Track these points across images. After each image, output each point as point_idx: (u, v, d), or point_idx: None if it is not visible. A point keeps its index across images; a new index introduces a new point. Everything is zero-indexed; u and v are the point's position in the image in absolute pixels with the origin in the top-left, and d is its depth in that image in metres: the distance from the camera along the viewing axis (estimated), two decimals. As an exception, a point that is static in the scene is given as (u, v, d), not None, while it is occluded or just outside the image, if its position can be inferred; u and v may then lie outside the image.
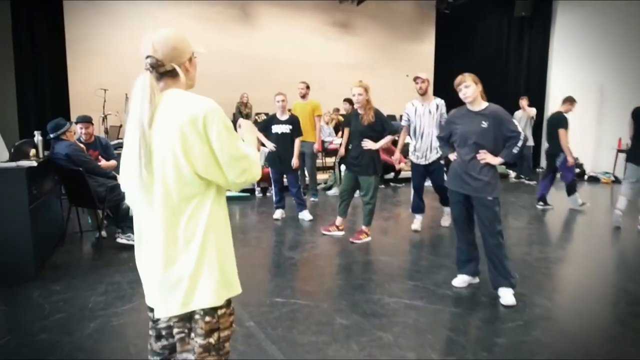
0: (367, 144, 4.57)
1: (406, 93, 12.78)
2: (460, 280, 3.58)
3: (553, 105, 11.14)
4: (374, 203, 4.78)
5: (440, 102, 5.00)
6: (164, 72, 1.41)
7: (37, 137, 4.23)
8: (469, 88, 3.24)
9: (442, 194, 5.27)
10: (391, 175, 8.85)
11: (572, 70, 11.05)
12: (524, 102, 9.16)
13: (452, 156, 3.54)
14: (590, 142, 10.48)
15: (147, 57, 1.39)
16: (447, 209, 5.45)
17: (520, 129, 3.23)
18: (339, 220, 5.05)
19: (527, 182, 9.26)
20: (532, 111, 9.03)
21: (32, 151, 4.19)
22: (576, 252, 4.77)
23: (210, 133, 1.34)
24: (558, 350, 2.59)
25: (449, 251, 4.44)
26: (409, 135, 5.16)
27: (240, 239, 4.85)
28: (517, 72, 12.03)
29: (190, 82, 1.50)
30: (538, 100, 10.88)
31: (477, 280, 3.62)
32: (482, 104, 3.31)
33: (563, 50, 11.30)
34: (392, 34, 12.70)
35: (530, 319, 2.98)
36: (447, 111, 4.51)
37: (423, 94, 4.97)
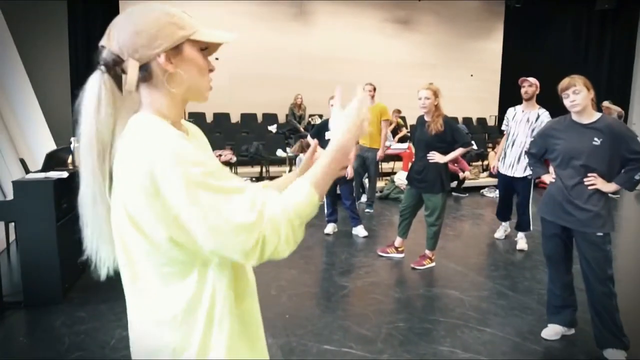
0: (435, 157, 3.94)
1: (471, 94, 11.99)
2: (552, 332, 2.90)
3: (639, 113, 9.94)
4: (440, 224, 4.14)
5: (544, 113, 4.52)
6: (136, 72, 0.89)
7: (74, 144, 3.94)
8: (579, 95, 2.55)
9: (522, 217, 4.72)
10: (454, 184, 8.09)
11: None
12: (608, 105, 8.09)
13: (548, 177, 2.86)
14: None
15: (100, 47, 0.91)
16: (522, 234, 4.85)
17: None
18: (398, 241, 4.45)
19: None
20: (617, 109, 7.89)
21: (70, 158, 3.93)
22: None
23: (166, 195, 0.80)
24: None
25: (532, 286, 3.74)
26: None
27: (287, 257, 4.36)
28: (598, 73, 10.71)
29: (182, 92, 0.93)
30: (621, 106, 9.68)
31: (572, 331, 2.93)
32: (594, 115, 2.61)
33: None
34: (455, 31, 11.81)
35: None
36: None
37: (528, 99, 4.57)
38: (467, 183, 8.12)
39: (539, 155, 2.93)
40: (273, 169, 7.80)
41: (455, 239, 5.26)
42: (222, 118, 9.66)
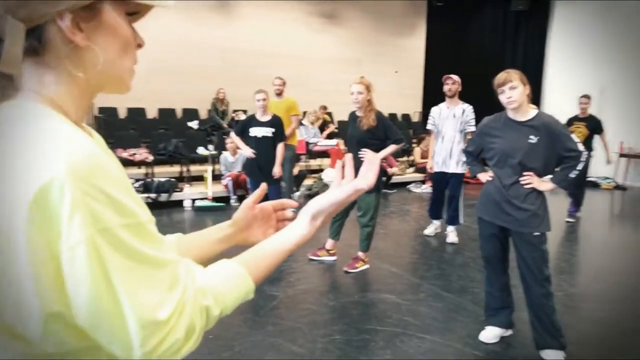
0: (367, 154, 3.75)
1: (395, 90, 12.09)
2: (491, 335, 2.80)
3: (549, 106, 10.54)
4: (374, 225, 3.96)
5: (468, 107, 4.63)
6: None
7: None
8: (515, 90, 2.43)
9: (453, 211, 4.78)
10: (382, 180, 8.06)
11: (570, 69, 10.44)
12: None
13: (485, 176, 2.75)
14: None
15: None
16: (452, 227, 4.89)
17: (581, 148, 2.45)
18: (329, 243, 4.22)
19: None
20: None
21: None
22: (620, 282, 4.05)
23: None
24: None
25: (466, 285, 3.67)
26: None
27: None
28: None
29: (93, 77, 0.60)
30: (533, 101, 10.22)
31: (510, 332, 2.85)
32: (530, 112, 2.51)
33: (561, 48, 10.68)
34: (380, 27, 11.86)
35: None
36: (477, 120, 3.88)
37: (452, 96, 4.66)
38: (394, 179, 8.12)
39: (475, 153, 2.82)
40: (194, 168, 7.27)
41: (386, 237, 5.13)
42: (136, 113, 8.91)
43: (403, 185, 8.31)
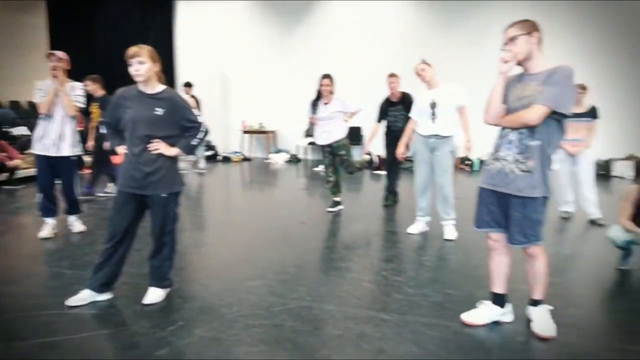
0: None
1: (22, 73, 10.50)
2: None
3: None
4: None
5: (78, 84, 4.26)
6: None
7: None
8: (143, 65, 2.64)
9: (71, 198, 4.32)
10: (4, 175, 6.96)
11: (197, 56, 11.42)
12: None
13: (122, 148, 2.88)
14: (220, 125, 11.19)
15: None
16: (75, 217, 4.45)
17: (201, 120, 2.88)
18: None
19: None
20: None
21: None
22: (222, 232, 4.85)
23: None
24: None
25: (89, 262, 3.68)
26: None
27: None
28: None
29: None
30: (170, 81, 10.79)
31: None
32: (158, 87, 2.77)
33: (189, 35, 11.48)
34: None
35: (191, 316, 2.68)
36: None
37: (55, 76, 4.05)
38: (22, 173, 7.16)
39: (113, 124, 2.87)
40: None
41: (6, 233, 4.57)
42: None
43: (33, 179, 7.42)
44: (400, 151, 4.81)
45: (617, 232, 3.48)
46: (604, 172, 8.65)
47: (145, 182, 2.73)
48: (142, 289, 2.91)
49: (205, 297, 2.98)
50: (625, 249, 3.53)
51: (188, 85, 9.10)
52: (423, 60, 4.40)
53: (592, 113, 5.05)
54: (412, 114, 4.57)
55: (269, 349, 2.33)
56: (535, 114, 2.26)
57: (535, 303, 2.57)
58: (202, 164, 8.93)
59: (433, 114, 4.27)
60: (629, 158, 8.69)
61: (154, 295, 2.87)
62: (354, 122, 6.28)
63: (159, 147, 2.72)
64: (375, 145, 6.49)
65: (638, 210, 3.40)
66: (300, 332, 2.51)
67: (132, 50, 2.65)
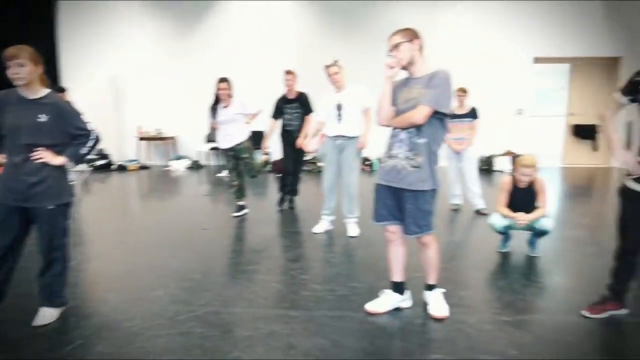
0: None
1: None
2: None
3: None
4: None
5: None
6: None
7: None
8: (23, 68, 2.39)
9: None
10: None
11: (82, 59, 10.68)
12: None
13: (1, 158, 2.60)
14: (114, 131, 10.55)
15: None
16: None
17: (91, 127, 2.67)
18: None
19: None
20: None
21: None
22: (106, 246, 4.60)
23: None
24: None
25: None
26: None
27: None
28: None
29: None
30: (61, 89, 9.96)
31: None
32: (41, 91, 2.52)
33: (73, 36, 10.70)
34: None
35: (90, 333, 2.52)
36: None
37: None
38: None
39: None
40: None
41: None
42: None
43: None
44: (300, 141, 4.96)
45: (496, 219, 3.90)
46: (486, 167, 9.63)
47: (28, 194, 2.51)
48: (32, 310, 2.67)
49: (105, 312, 2.82)
50: (504, 234, 3.96)
51: (61, 90, 8.04)
52: (336, 61, 4.47)
53: (472, 114, 5.60)
54: (317, 114, 4.73)
55: (177, 358, 2.27)
56: (420, 114, 2.47)
57: (430, 288, 2.81)
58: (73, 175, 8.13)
59: (339, 115, 4.45)
60: (507, 154, 9.70)
61: (46, 315, 2.65)
62: (257, 126, 6.30)
63: (43, 155, 2.52)
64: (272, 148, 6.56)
65: (512, 198, 3.84)
66: (209, 337, 2.48)
67: (10, 51, 2.41)
